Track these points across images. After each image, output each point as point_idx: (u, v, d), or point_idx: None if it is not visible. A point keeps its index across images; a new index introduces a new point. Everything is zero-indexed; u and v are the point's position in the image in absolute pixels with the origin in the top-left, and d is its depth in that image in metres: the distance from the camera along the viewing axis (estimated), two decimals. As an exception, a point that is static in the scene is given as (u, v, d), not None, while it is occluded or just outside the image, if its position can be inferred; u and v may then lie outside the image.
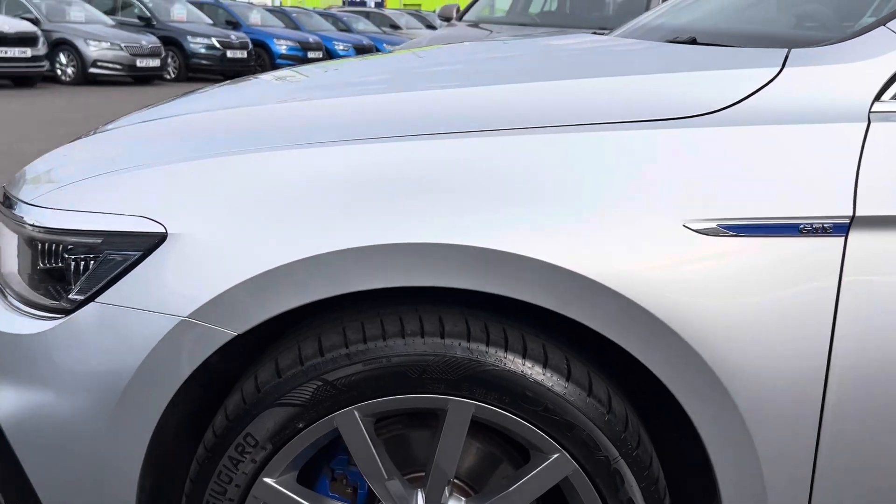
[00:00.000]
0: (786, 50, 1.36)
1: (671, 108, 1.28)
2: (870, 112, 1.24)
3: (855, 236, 1.19)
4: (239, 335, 1.24)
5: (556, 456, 1.29)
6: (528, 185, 1.23)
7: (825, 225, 1.19)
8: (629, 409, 1.33)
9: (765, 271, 1.21)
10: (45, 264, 1.35)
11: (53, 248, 1.34)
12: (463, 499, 1.39)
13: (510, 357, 1.27)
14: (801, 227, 1.20)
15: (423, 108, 1.40)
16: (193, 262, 1.24)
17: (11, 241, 1.43)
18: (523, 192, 1.22)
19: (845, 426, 1.22)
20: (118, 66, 17.25)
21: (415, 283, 1.21)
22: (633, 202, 1.21)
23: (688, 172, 1.23)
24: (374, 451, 1.30)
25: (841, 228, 1.19)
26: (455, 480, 1.43)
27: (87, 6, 17.38)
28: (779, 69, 1.29)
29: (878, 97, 1.25)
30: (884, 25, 1.30)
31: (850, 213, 1.19)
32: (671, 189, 1.22)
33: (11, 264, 1.42)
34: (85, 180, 1.35)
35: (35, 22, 15.04)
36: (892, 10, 1.33)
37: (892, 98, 1.25)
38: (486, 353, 1.26)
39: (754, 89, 1.27)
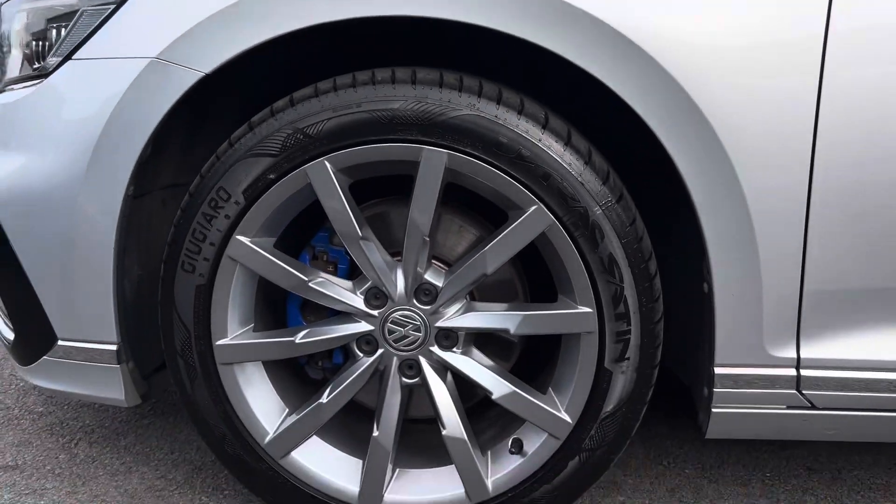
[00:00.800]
0: None
1: None
2: None
3: None
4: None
5: (532, 208, 1.24)
6: None
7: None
8: (612, 169, 1.27)
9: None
10: (30, 37, 1.37)
11: (36, 18, 1.36)
12: (443, 269, 1.36)
13: (483, 102, 1.23)
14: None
15: None
16: (165, 5, 1.24)
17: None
18: None
19: (839, 155, 1.15)
20: None
21: (381, 12, 1.18)
22: None
23: None
24: (347, 206, 1.27)
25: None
26: (435, 262, 1.40)
27: None
28: None
29: None
30: None
31: None
32: None
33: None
34: None
35: None
36: None
37: None
38: (459, 97, 1.23)
39: None
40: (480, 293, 1.46)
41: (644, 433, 1.89)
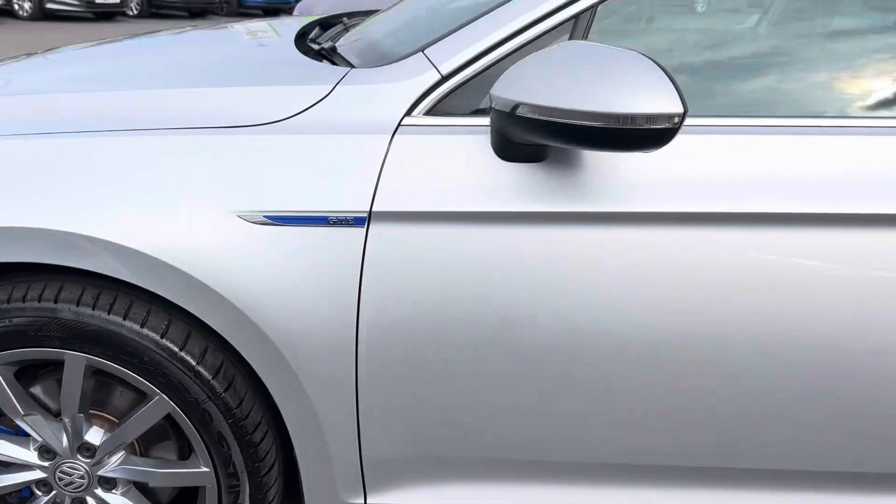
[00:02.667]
0: (348, 69, 1.64)
1: (237, 118, 1.54)
2: (399, 125, 1.51)
3: (373, 227, 1.49)
4: None
5: (156, 398, 1.60)
6: (108, 178, 1.49)
7: (348, 217, 1.49)
8: (228, 361, 1.64)
9: (303, 253, 1.50)
10: None
11: None
12: (103, 429, 1.71)
13: (112, 318, 1.56)
14: (330, 219, 1.49)
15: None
16: None
17: None
18: (104, 184, 1.49)
19: (375, 369, 1.55)
20: (76, 2, 17.25)
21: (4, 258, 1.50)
22: (195, 194, 1.49)
23: (243, 172, 1.50)
24: (10, 392, 1.61)
25: (361, 220, 1.49)
26: (101, 413, 1.75)
27: (45, -60, 17.19)
28: (332, 88, 1.56)
29: (408, 112, 1.52)
30: (421, 52, 1.57)
31: (368, 209, 1.48)
32: (229, 185, 1.50)
33: None
34: None
35: (-11, -45, 14.91)
36: (430, 40, 1.59)
37: (420, 114, 1.52)
38: (92, 314, 1.56)
39: (308, 105, 1.54)
40: (144, 444, 1.81)
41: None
